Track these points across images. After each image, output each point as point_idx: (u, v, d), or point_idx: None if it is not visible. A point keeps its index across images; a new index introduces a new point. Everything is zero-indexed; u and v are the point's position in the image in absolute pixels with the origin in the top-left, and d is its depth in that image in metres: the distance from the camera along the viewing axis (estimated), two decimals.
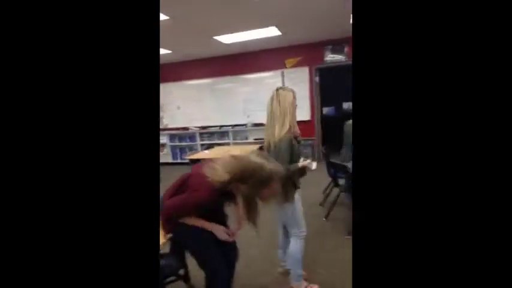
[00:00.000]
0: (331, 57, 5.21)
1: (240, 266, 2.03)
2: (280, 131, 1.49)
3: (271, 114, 1.53)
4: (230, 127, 5.87)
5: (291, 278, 1.66)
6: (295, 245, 1.61)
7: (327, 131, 5.74)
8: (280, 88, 1.57)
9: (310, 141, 5.36)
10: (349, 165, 2.75)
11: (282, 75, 5.49)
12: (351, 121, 3.01)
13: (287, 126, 1.50)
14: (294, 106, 1.54)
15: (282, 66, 5.47)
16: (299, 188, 1.62)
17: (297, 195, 1.60)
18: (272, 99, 1.54)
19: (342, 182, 2.62)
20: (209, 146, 4.73)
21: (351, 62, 5.08)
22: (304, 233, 1.64)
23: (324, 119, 5.83)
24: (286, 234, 1.72)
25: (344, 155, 2.89)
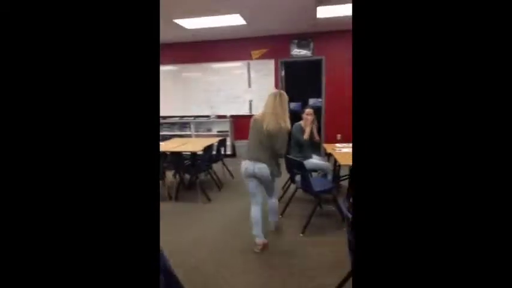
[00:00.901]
0: (297, 52, 5.17)
1: (188, 268, 1.91)
2: (284, 124, 2.02)
3: (273, 109, 2.02)
4: (192, 118, 5.61)
5: (258, 235, 2.12)
6: (275, 203, 2.29)
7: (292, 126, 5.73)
8: (280, 91, 2.10)
9: None
10: (305, 161, 2.74)
11: (248, 66, 5.34)
12: (298, 123, 3.00)
13: (288, 122, 2.07)
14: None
15: (248, 57, 5.32)
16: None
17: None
18: (275, 97, 2.03)
19: (298, 178, 2.58)
20: (169, 137, 4.45)
21: (316, 57, 5.16)
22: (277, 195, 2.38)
23: (291, 115, 5.81)
24: (260, 213, 2.16)
25: (293, 154, 2.90)
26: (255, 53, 5.28)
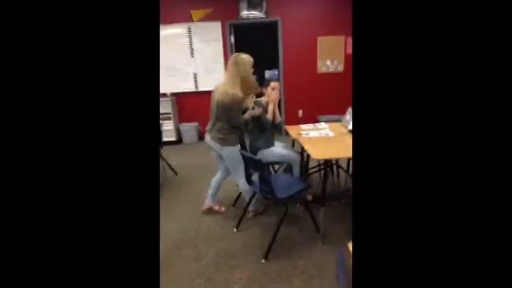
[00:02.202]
0: (247, 13, 4.27)
1: None
2: (234, 92, 1.89)
3: (227, 77, 1.95)
4: None
5: (208, 197, 2.30)
6: (217, 180, 2.27)
7: None
8: (239, 55, 1.98)
9: None
10: (268, 151, 2.06)
11: (189, 31, 4.32)
12: (259, 99, 2.36)
13: (239, 89, 1.93)
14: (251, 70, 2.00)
15: (189, 19, 4.28)
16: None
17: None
18: (231, 64, 1.96)
19: (255, 177, 1.89)
20: None
21: (271, 19, 4.35)
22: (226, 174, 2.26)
23: None
24: (218, 180, 2.29)
25: (254, 140, 2.27)
26: (196, 13, 4.26)
